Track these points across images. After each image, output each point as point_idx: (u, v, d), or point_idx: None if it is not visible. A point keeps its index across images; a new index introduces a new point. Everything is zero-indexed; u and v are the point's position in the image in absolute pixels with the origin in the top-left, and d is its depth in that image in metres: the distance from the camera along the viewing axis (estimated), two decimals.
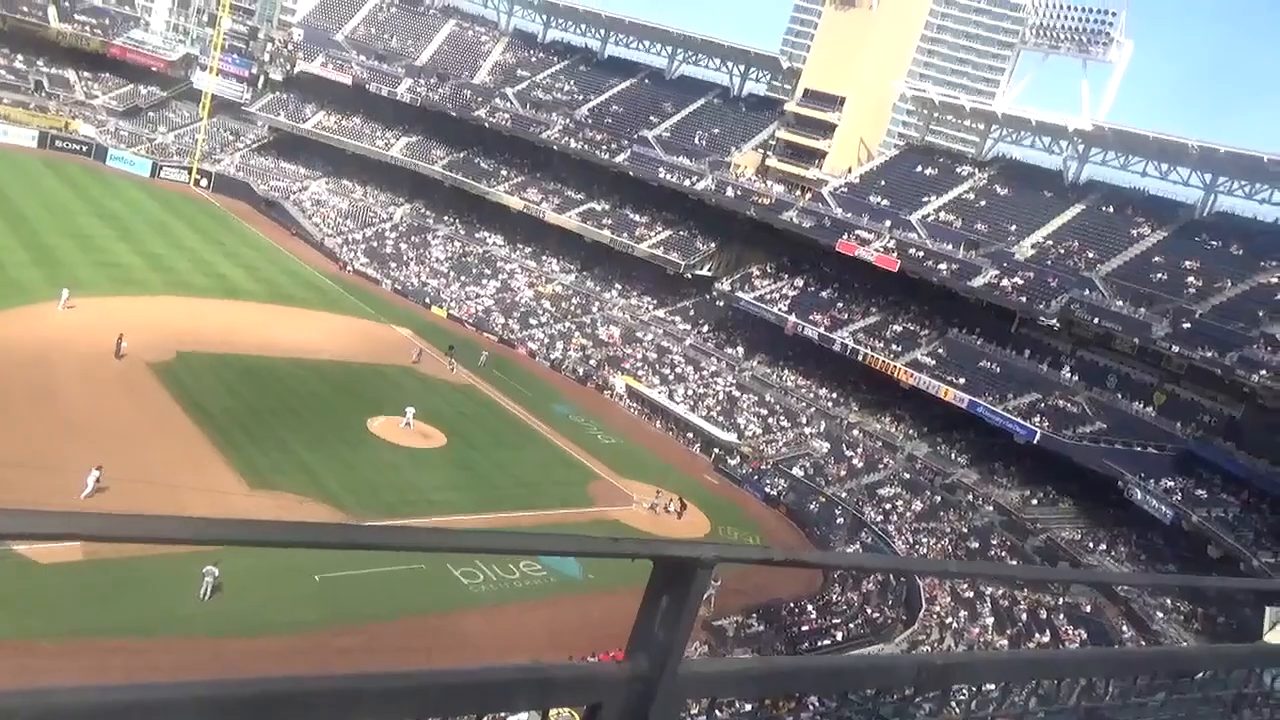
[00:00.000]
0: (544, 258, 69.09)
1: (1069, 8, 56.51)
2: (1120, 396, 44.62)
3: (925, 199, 57.68)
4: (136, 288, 49.53)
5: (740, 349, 57.75)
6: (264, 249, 65.86)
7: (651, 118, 70.39)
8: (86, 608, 23.55)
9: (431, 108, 75.45)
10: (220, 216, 71.05)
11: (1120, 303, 45.67)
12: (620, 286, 65.61)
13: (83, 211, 60.77)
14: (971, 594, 35.14)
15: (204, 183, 77.11)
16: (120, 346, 39.03)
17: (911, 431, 49.18)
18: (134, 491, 27.85)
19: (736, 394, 53.52)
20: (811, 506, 43.46)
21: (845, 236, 54.90)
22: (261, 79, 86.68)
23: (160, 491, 28.67)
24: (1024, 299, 48.28)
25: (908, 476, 45.72)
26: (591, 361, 57.09)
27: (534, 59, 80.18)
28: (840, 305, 55.86)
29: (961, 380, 46.90)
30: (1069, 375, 46.60)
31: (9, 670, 19.02)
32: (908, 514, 42.70)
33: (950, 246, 52.47)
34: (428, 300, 63.19)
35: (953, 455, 47.11)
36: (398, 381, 46.62)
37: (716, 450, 48.16)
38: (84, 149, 75.01)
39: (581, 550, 1.76)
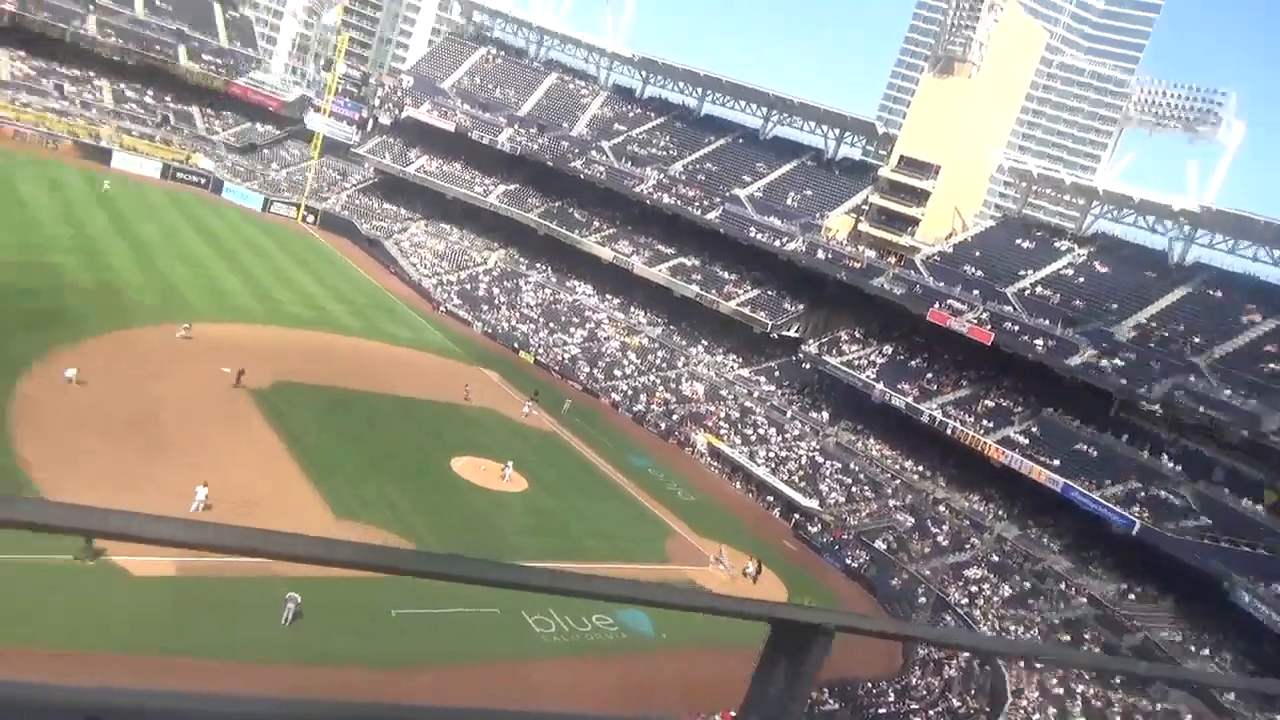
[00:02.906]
0: (632, 309, 69.67)
1: (1176, 85, 55.40)
2: (1228, 491, 42.47)
3: (1022, 273, 56.52)
4: (243, 316, 51.57)
5: (825, 413, 56.94)
6: (363, 286, 68.01)
7: (744, 176, 70.90)
8: (173, 624, 24.12)
9: (530, 157, 77.51)
10: (324, 252, 73.78)
11: (1228, 391, 43.70)
12: (706, 343, 65.62)
13: (197, 241, 63.80)
14: (1061, 690, 33.50)
15: (311, 219, 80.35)
16: (240, 377, 40.63)
17: (1001, 512, 47.51)
18: (236, 512, 28.86)
19: (820, 459, 52.63)
20: (893, 582, 42.18)
21: (937, 306, 54.03)
22: (370, 122, 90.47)
23: (259, 513, 29.68)
24: (1124, 381, 46.59)
25: (996, 559, 44.09)
26: (674, 416, 56.95)
27: (631, 114, 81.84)
28: (930, 376, 54.73)
29: (1056, 462, 45.30)
30: (1171, 464, 44.60)
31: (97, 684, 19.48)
32: (995, 598, 41.11)
33: (1047, 322, 51.14)
34: (516, 345, 64.18)
35: (1045, 540, 45.29)
36: (482, 423, 47.24)
37: (797, 516, 47.32)
38: (202, 181, 79.05)
39: (705, 606, 1.75)
